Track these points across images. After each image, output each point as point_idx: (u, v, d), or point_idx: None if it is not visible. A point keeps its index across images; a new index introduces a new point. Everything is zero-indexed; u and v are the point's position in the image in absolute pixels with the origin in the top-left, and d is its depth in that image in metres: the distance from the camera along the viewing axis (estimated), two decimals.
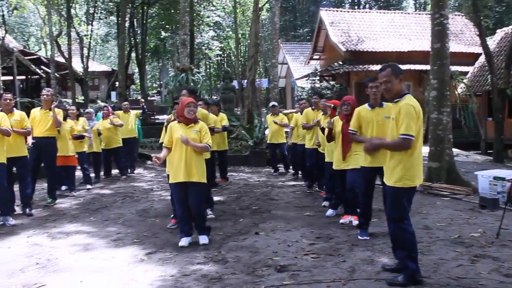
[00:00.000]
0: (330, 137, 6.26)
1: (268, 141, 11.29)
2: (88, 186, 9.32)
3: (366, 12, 24.29)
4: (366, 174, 5.32)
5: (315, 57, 26.07)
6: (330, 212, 6.68)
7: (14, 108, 7.13)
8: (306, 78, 23.18)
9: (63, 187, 8.98)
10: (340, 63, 20.93)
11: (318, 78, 22.22)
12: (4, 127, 6.31)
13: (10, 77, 19.49)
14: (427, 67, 10.52)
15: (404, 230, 3.98)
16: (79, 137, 9.01)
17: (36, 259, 4.89)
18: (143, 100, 14.83)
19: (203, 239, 5.32)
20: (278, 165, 11.23)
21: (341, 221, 6.11)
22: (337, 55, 21.83)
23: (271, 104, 11.45)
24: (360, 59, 20.65)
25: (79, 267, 4.62)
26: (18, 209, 7.18)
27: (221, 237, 5.60)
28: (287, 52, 31.59)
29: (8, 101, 6.93)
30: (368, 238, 5.35)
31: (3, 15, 26.06)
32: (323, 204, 7.22)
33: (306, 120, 8.30)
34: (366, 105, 5.41)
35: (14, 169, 7.02)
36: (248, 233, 5.76)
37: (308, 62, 26.51)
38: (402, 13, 25.89)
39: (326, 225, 6.12)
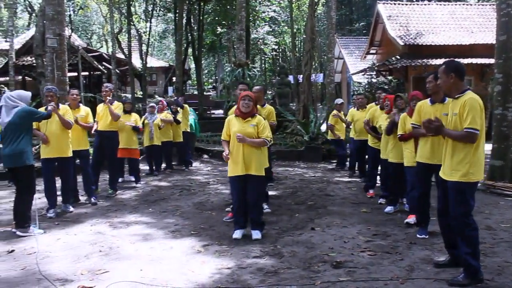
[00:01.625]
0: (391, 131, 6.12)
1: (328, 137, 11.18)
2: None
3: (425, 4, 23.46)
4: (423, 171, 5.19)
5: (371, 51, 25.54)
6: (388, 208, 6.56)
7: (81, 104, 7.50)
8: (363, 73, 22.76)
9: (120, 179, 9.30)
10: (398, 57, 20.39)
11: (374, 73, 21.78)
12: (67, 119, 6.64)
13: (75, 73, 20.39)
14: (490, 60, 10.07)
15: (470, 226, 3.87)
16: (135, 129, 9.27)
17: (99, 247, 5.11)
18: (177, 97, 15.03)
19: (256, 234, 5.34)
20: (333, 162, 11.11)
21: (407, 220, 5.95)
22: (394, 49, 21.29)
23: (339, 101, 11.23)
24: (419, 53, 20.02)
25: (139, 256, 4.79)
26: (82, 199, 7.56)
27: (277, 231, 5.63)
28: (342, 47, 31.14)
29: (75, 96, 7.30)
30: (426, 236, 5.22)
31: (70, 15, 27.18)
32: (379, 201, 7.10)
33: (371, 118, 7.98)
34: (428, 100, 5.28)
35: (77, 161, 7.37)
36: (303, 228, 5.76)
37: (365, 57, 26.02)
38: (463, 4, 24.79)
39: (383, 222, 6.01)
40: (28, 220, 5.69)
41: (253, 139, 5.27)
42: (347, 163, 10.68)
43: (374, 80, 20.94)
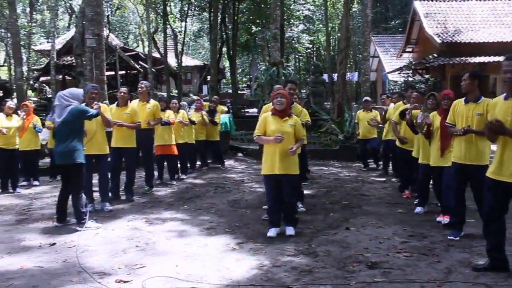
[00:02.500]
0: (429, 133, 5.99)
1: (359, 137, 11.06)
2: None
3: (464, 1, 22.84)
4: (457, 171, 5.09)
5: (407, 49, 25.11)
6: (418, 209, 6.46)
7: (129, 102, 7.65)
8: (398, 72, 22.40)
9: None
10: (435, 55, 19.99)
11: (411, 71, 21.40)
12: (108, 117, 6.81)
13: (112, 72, 20.85)
14: None
15: None
16: (166, 123, 9.39)
17: (136, 242, 5.22)
18: (229, 100, 15.17)
19: (290, 231, 5.37)
20: (368, 161, 10.98)
21: (438, 219, 5.87)
22: (431, 47, 20.87)
23: (364, 99, 11.19)
24: (457, 51, 19.56)
25: (175, 252, 4.86)
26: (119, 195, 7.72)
27: (311, 230, 5.61)
28: (378, 45, 30.70)
29: (122, 94, 7.45)
30: (457, 238, 5.11)
31: (108, 16, 27.82)
32: (415, 202, 6.98)
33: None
34: (462, 99, 5.17)
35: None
36: (338, 228, 5.72)
37: (400, 55, 25.61)
38: (505, 0, 24.04)
39: (419, 223, 5.91)
40: (83, 215, 5.86)
41: (297, 145, 5.31)
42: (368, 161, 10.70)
43: (410, 79, 20.58)
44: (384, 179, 9.45)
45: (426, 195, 6.56)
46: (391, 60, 28.27)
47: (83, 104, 6.20)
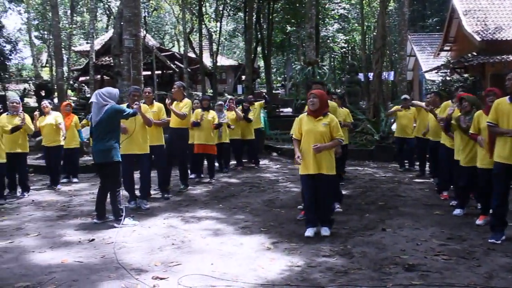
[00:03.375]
0: (475, 135, 5.76)
1: (395, 135, 10.86)
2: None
3: None
4: (501, 172, 4.95)
5: (445, 48, 24.51)
6: (457, 211, 6.30)
7: (154, 100, 7.79)
8: (436, 71, 21.91)
9: (192, 175, 9.54)
10: (474, 54, 19.45)
11: (449, 70, 20.89)
12: (149, 117, 6.94)
13: (149, 72, 21.19)
14: None
15: None
16: (218, 126, 9.48)
17: (171, 240, 5.29)
18: (264, 91, 15.17)
19: (325, 231, 5.34)
20: (405, 161, 10.78)
21: (477, 222, 5.71)
22: (470, 45, 20.31)
23: (402, 97, 10.99)
24: (498, 49, 18.95)
25: (210, 250, 4.90)
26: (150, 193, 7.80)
27: (347, 231, 5.56)
28: (414, 44, 30.08)
29: (147, 93, 7.60)
30: (498, 242, 4.95)
31: (144, 17, 28.34)
32: (451, 204, 6.83)
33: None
34: (506, 97, 5.01)
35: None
36: (374, 229, 5.65)
37: (438, 54, 25.01)
38: None
39: (458, 225, 5.76)
40: (121, 212, 5.98)
41: (326, 143, 5.24)
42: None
43: (448, 78, 20.10)
44: (421, 180, 9.26)
45: (466, 197, 6.39)
46: (428, 59, 27.67)
47: (125, 105, 6.32)
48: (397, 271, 4.18)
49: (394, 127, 13.03)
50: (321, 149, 5.18)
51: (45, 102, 9.20)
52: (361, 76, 23.76)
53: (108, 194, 6.12)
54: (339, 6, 31.04)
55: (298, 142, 5.44)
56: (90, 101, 6.08)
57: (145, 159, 7.07)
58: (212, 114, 9.32)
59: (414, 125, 9.78)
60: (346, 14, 33.27)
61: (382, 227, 5.68)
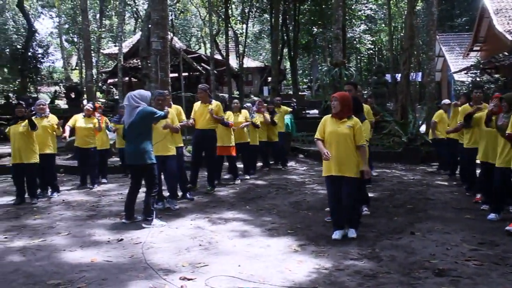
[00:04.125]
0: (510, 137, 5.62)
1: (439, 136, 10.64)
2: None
3: None
4: None
5: (475, 48, 24.01)
6: (492, 216, 6.13)
7: (171, 103, 7.86)
8: (465, 72, 21.48)
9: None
10: (506, 53, 18.99)
11: (479, 71, 20.45)
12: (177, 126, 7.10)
13: (176, 74, 21.38)
14: None
15: None
16: (226, 124, 9.46)
17: (199, 241, 5.31)
18: (294, 100, 15.13)
19: (351, 233, 5.29)
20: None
21: (507, 228, 5.55)
22: (501, 45, 19.83)
23: (443, 102, 10.70)
24: None
25: (237, 251, 4.91)
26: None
27: (375, 234, 5.49)
28: (443, 44, 29.55)
29: (166, 96, 7.66)
30: None
31: (171, 19, 28.64)
32: (482, 207, 6.67)
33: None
34: None
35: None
36: (402, 232, 5.56)
37: (467, 54, 24.52)
38: None
39: (490, 230, 5.62)
40: (151, 213, 6.05)
41: (362, 159, 5.28)
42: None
43: (478, 79, 19.68)
44: (451, 182, 9.10)
45: (502, 201, 6.23)
46: (457, 60, 27.16)
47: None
48: (426, 276, 4.11)
49: (422, 129, 12.87)
50: (369, 172, 5.30)
51: (89, 105, 9.39)
52: (388, 77, 23.45)
53: (142, 194, 6.21)
54: (366, 7, 30.83)
55: (321, 142, 5.39)
56: (122, 104, 6.15)
57: (172, 160, 7.13)
58: (227, 115, 9.28)
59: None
60: (372, 14, 33.00)
61: (411, 231, 5.59)
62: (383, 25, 35.61)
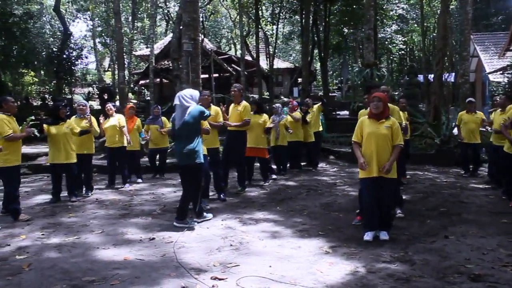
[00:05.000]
0: None
1: (463, 141, 10.42)
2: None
3: None
4: None
5: (511, 48, 23.35)
6: None
7: (211, 104, 7.92)
8: (501, 72, 20.93)
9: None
10: None
11: None
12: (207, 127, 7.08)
13: (206, 75, 21.55)
14: None
15: None
16: (267, 131, 9.52)
17: (230, 241, 5.33)
18: (324, 100, 15.00)
19: (384, 235, 5.24)
20: (470, 166, 10.35)
21: None
22: None
23: (467, 100, 10.55)
24: None
25: (268, 252, 4.90)
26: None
27: (407, 237, 5.40)
28: (477, 44, 28.86)
29: (206, 97, 7.73)
30: None
31: (202, 21, 28.91)
32: None
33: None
34: None
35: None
36: (436, 236, 5.46)
37: (503, 54, 23.86)
38: None
39: None
40: (186, 213, 6.13)
41: (391, 159, 5.18)
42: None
43: None
44: (486, 186, 8.88)
45: None
46: (492, 60, 26.47)
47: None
48: (462, 281, 4.02)
49: (455, 131, 12.58)
50: (390, 168, 5.14)
51: (109, 105, 9.54)
52: (420, 78, 23.04)
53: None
54: (398, 6, 30.40)
55: (358, 146, 5.36)
56: (174, 103, 6.23)
57: (204, 160, 7.16)
58: (263, 117, 9.27)
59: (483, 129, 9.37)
60: (404, 14, 32.51)
61: (445, 234, 5.48)
62: (415, 25, 35.00)
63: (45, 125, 7.81)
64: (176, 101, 6.11)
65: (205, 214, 6.35)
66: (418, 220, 6.21)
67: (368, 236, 5.23)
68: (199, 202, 6.21)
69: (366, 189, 5.33)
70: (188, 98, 6.05)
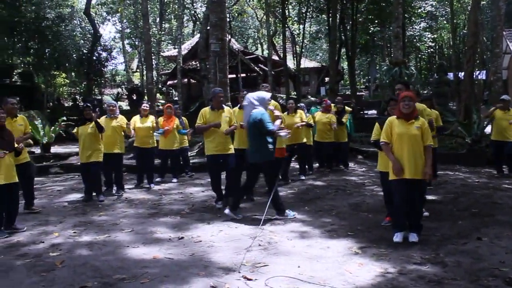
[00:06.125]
0: None
1: (492, 138, 10.18)
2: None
3: None
4: None
5: None
6: None
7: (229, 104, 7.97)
8: None
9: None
10: None
11: None
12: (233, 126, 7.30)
13: (234, 75, 21.64)
14: None
15: None
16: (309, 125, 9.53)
17: (258, 241, 5.33)
18: (353, 100, 14.90)
19: (413, 237, 5.14)
20: (503, 166, 10.10)
21: None
22: None
23: (501, 97, 10.29)
24: None
25: (296, 252, 4.88)
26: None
27: (438, 238, 5.30)
28: (510, 40, 28.14)
29: (221, 98, 7.76)
30: None
31: (229, 21, 29.05)
32: None
33: None
34: None
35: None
36: (468, 237, 5.33)
37: None
38: None
39: None
40: (282, 206, 6.44)
41: (428, 163, 5.13)
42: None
43: None
44: None
45: None
46: None
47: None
48: (496, 285, 3.92)
49: (488, 129, 12.29)
50: (431, 172, 5.12)
51: (146, 105, 9.62)
52: (450, 76, 22.62)
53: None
54: (426, 3, 29.91)
55: (388, 147, 5.28)
56: (244, 103, 6.61)
57: (231, 159, 7.24)
58: (299, 114, 9.31)
59: None
60: (433, 11, 31.97)
61: (477, 236, 5.34)
62: (445, 22, 34.40)
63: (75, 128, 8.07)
64: (245, 103, 6.49)
65: (287, 212, 6.49)
66: (449, 221, 6.08)
67: (398, 237, 5.16)
68: (277, 197, 6.44)
69: (398, 190, 5.23)
70: (256, 100, 6.38)
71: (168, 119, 9.86)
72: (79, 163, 8.68)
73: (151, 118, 9.49)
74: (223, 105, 7.46)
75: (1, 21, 21.96)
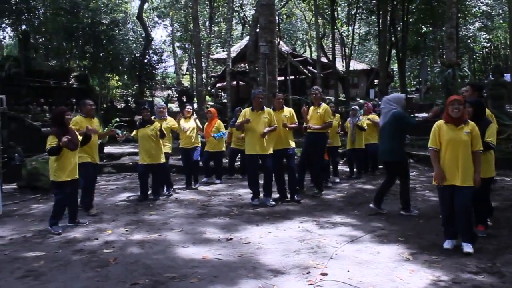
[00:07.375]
0: None
1: None
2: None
3: None
4: None
5: None
6: None
7: (284, 105, 7.98)
8: None
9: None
10: None
11: None
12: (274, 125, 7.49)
13: (283, 78, 21.64)
14: None
15: None
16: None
17: (307, 244, 5.31)
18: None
19: (467, 247, 4.88)
20: None
21: None
22: None
23: None
24: None
25: (346, 257, 4.82)
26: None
27: (495, 247, 5.09)
28: None
29: (280, 100, 7.86)
30: None
31: (278, 23, 29.12)
32: None
33: None
34: None
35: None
36: None
37: None
38: None
39: None
40: (408, 203, 6.74)
41: (478, 171, 4.99)
42: None
43: None
44: None
45: None
46: None
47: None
48: None
49: None
50: (480, 180, 5.00)
51: (189, 107, 9.80)
52: (507, 77, 21.71)
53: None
54: (482, 2, 28.91)
55: (437, 154, 5.11)
56: (381, 106, 6.90)
57: (269, 159, 7.40)
58: (337, 118, 9.39)
59: None
60: (489, 11, 30.84)
61: None
62: (501, 22, 33.09)
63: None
64: (382, 105, 6.80)
65: (412, 208, 6.77)
66: (507, 229, 5.83)
67: (448, 244, 5.01)
68: (405, 193, 6.73)
69: (445, 197, 5.08)
70: (392, 102, 6.68)
71: (210, 122, 10.14)
72: (131, 163, 8.90)
73: (194, 118, 9.59)
74: (264, 106, 7.66)
75: (61, 27, 22.93)
